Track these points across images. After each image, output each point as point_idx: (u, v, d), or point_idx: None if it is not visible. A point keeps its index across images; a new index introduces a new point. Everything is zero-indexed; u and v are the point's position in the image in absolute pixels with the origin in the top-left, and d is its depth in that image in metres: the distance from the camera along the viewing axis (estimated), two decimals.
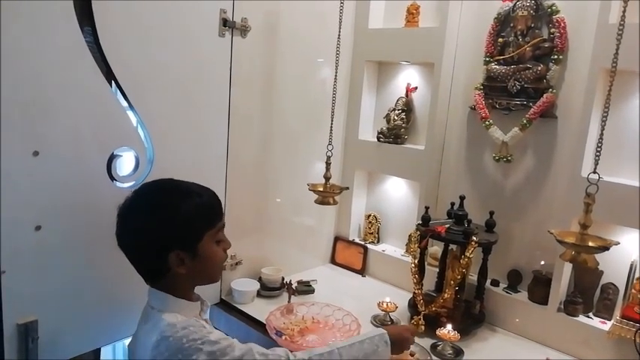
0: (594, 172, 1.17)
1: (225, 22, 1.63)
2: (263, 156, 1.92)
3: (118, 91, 1.39)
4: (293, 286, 1.87)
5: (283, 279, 1.94)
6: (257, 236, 1.96)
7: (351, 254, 2.27)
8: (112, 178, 1.41)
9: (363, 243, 2.27)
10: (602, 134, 1.18)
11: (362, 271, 2.23)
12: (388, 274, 2.14)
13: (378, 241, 2.28)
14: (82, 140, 1.32)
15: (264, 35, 1.80)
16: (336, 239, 2.34)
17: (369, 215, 2.30)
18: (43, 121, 1.23)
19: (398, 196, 2.24)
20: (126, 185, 1.44)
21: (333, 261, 2.34)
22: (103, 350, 1.61)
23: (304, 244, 2.22)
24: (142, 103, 1.44)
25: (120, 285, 1.44)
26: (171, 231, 1.08)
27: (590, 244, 1.15)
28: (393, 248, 2.23)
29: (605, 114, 1.19)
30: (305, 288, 1.98)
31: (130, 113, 1.43)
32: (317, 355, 1.12)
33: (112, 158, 1.40)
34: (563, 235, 1.20)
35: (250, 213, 1.90)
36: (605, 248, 1.14)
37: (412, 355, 1.45)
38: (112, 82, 1.38)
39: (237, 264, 1.88)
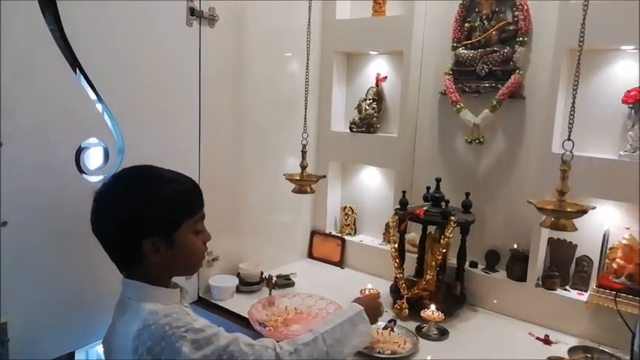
0: (569, 139, 1.20)
1: (192, 12, 1.60)
2: (236, 151, 1.89)
3: (85, 81, 1.34)
4: (272, 280, 1.84)
5: (262, 273, 1.91)
6: (233, 232, 1.92)
7: (329, 247, 2.26)
8: (81, 171, 1.35)
9: (340, 235, 2.26)
10: (573, 102, 1.21)
11: (340, 264, 2.21)
12: (367, 265, 2.13)
13: (355, 233, 2.27)
14: (48, 132, 1.26)
15: (231, 26, 1.78)
16: (313, 233, 2.32)
17: (345, 207, 2.29)
18: (6, 111, 1.17)
19: (373, 186, 2.24)
20: (95, 179, 1.38)
21: (310, 255, 2.31)
22: (76, 354, 1.53)
23: (281, 240, 2.19)
24: (110, 94, 1.39)
25: (93, 285, 1.39)
26: (147, 216, 1.03)
27: (569, 209, 1.18)
28: (370, 239, 2.23)
29: (576, 84, 1.22)
30: (285, 282, 1.95)
31: (98, 105, 1.38)
32: (302, 344, 1.11)
33: (79, 151, 1.34)
34: (542, 203, 1.23)
35: (225, 208, 1.85)
36: (583, 212, 1.17)
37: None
38: (77, 71, 1.32)
39: (213, 260, 1.84)
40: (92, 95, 1.36)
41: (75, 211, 1.26)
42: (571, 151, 1.19)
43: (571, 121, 1.21)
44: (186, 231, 1.08)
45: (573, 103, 1.22)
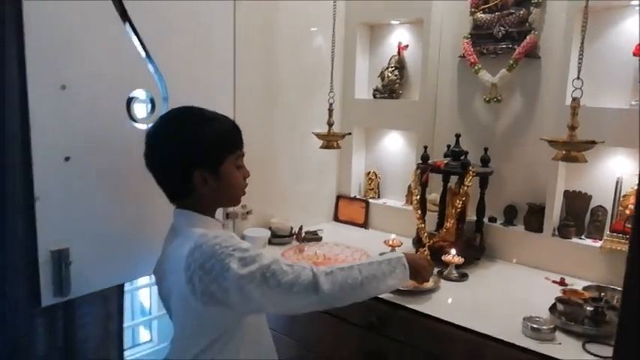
0: (578, 78, 1.29)
1: None
2: (266, 118, 2.03)
3: (134, 36, 1.48)
4: (302, 232, 1.96)
5: (292, 228, 2.04)
6: (264, 192, 2.05)
7: (354, 210, 2.37)
8: (132, 119, 1.49)
9: (364, 198, 2.37)
10: (582, 43, 1.30)
11: (365, 225, 2.33)
12: (391, 225, 2.22)
13: (378, 197, 2.38)
14: (104, 79, 1.40)
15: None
16: (338, 197, 2.44)
17: (369, 172, 2.40)
18: (67, 58, 1.31)
19: (395, 151, 2.35)
20: (143, 126, 1.52)
21: (336, 218, 2.43)
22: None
23: (308, 204, 2.31)
24: (156, 49, 1.52)
25: (141, 223, 1.52)
26: (195, 151, 1.15)
27: (579, 142, 1.27)
28: (393, 201, 2.34)
29: (584, 29, 1.31)
30: (312, 236, 2.07)
31: (145, 58, 1.52)
32: (338, 268, 1.17)
33: (129, 100, 1.49)
34: (554, 139, 1.32)
35: (257, 170, 1.94)
36: (593, 143, 1.26)
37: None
38: (127, 25, 1.46)
39: (247, 213, 1.97)
40: (140, 49, 1.50)
41: (126, 153, 1.43)
42: (580, 88, 1.29)
43: (580, 60, 1.30)
44: (229, 165, 1.20)
45: (582, 42, 1.31)
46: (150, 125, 1.51)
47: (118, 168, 1.45)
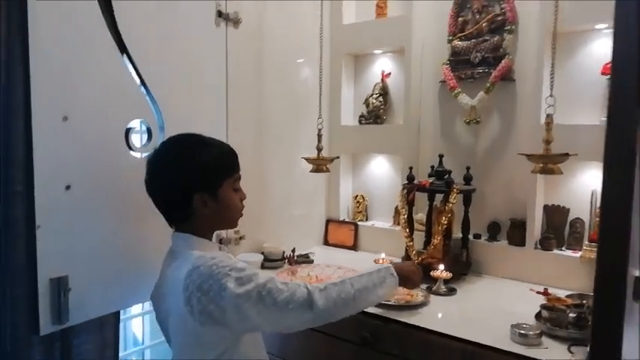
0: (550, 95, 1.39)
1: (220, 14, 1.83)
2: (257, 148, 2.10)
3: (131, 67, 1.55)
4: (294, 255, 2.01)
5: (284, 252, 2.09)
6: (256, 220, 2.10)
7: (343, 233, 2.44)
8: (130, 148, 1.55)
9: (353, 221, 2.44)
10: (552, 64, 1.41)
11: (354, 247, 2.39)
12: (380, 245, 2.26)
13: (366, 219, 2.45)
14: (103, 110, 1.46)
15: (253, 30, 2.01)
16: (328, 221, 2.50)
17: (357, 196, 2.48)
18: (70, 90, 1.38)
19: (381, 174, 2.43)
20: (141, 155, 1.58)
21: (326, 242, 2.49)
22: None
23: (299, 228, 2.37)
24: (152, 80, 1.59)
25: (138, 252, 1.56)
26: (195, 175, 1.22)
27: (554, 155, 1.36)
28: (381, 223, 2.41)
29: (554, 51, 1.43)
30: (304, 260, 2.12)
31: (142, 90, 1.59)
32: (331, 284, 1.24)
33: (128, 130, 1.55)
34: (532, 154, 1.41)
35: (249, 198, 2.02)
36: (566, 155, 1.36)
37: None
38: (126, 57, 1.53)
39: (240, 239, 2.02)
40: (137, 80, 1.57)
41: (124, 182, 1.48)
42: (553, 105, 1.39)
43: (552, 79, 1.41)
44: (227, 188, 1.26)
45: (552, 63, 1.42)
46: (148, 153, 1.58)
47: (116, 196, 1.49)
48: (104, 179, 1.47)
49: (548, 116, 1.39)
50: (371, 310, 1.52)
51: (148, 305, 2.03)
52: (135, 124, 1.57)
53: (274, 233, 2.20)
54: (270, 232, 2.18)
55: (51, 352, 1.41)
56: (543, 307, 1.45)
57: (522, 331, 1.34)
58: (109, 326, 1.57)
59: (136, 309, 2.06)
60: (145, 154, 1.58)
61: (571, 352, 1.28)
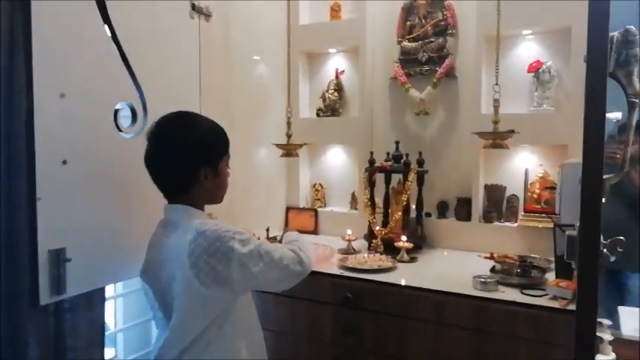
0: (496, 84, 1.66)
1: (193, 7, 1.94)
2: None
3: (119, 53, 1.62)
4: (267, 238, 2.13)
5: (254, 234, 2.19)
6: (223, 205, 2.18)
7: (303, 219, 2.59)
8: (119, 129, 1.61)
9: (312, 207, 2.60)
10: (497, 59, 1.68)
11: (315, 231, 2.55)
12: (339, 228, 2.43)
13: (325, 206, 2.63)
14: (96, 89, 1.52)
15: (220, 25, 2.13)
16: (288, 209, 2.64)
17: (315, 184, 2.65)
18: (67, 68, 1.43)
19: (338, 164, 2.63)
20: (128, 135, 1.64)
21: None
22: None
23: (260, 216, 2.47)
24: (138, 68, 1.66)
25: (130, 226, 1.61)
26: (204, 150, 1.32)
27: (501, 132, 1.63)
28: (339, 208, 2.59)
29: (497, 50, 1.70)
30: (275, 241, 2.24)
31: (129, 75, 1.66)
32: (302, 245, 1.42)
33: (116, 112, 1.61)
34: (483, 132, 1.67)
35: None
36: (512, 132, 1.63)
37: None
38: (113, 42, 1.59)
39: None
40: (124, 67, 1.63)
41: (115, 159, 1.55)
42: (499, 92, 1.66)
43: (497, 71, 1.68)
44: (224, 164, 1.38)
45: (497, 59, 1.69)
46: (134, 134, 1.65)
47: (108, 172, 1.55)
48: (97, 156, 1.52)
49: (496, 100, 1.67)
50: (347, 273, 1.72)
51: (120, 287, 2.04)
52: (122, 105, 1.63)
53: (239, 220, 2.29)
54: (238, 219, 2.28)
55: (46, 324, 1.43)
56: (496, 261, 1.71)
57: (482, 280, 1.58)
58: (94, 304, 1.60)
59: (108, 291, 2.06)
60: (129, 135, 1.65)
61: (523, 293, 1.54)
